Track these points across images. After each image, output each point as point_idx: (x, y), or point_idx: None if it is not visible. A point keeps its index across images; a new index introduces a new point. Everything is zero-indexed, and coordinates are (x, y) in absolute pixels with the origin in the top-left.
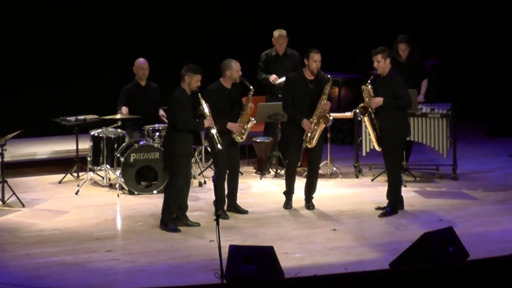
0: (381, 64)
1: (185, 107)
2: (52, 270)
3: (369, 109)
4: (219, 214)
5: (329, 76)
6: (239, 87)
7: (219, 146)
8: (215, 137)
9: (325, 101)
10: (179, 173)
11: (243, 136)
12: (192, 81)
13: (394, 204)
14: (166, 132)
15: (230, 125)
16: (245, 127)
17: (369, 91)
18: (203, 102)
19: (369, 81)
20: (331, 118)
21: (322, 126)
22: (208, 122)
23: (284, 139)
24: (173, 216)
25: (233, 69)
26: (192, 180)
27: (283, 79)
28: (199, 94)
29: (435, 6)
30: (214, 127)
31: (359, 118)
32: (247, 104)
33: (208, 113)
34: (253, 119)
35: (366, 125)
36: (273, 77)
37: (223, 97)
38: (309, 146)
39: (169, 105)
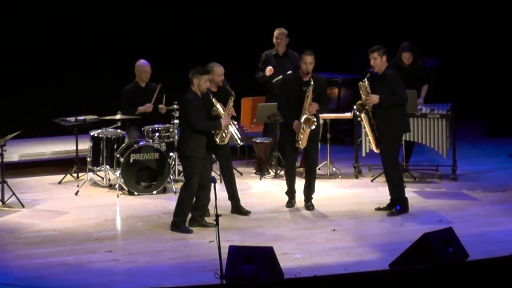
0: (378, 61)
1: (199, 108)
2: (52, 271)
3: (366, 107)
4: (218, 215)
5: (311, 79)
6: (225, 90)
7: (239, 142)
8: (234, 134)
9: (310, 103)
10: (194, 175)
11: (225, 140)
12: (201, 82)
13: (403, 201)
14: (180, 135)
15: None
16: (226, 130)
17: (366, 87)
18: (215, 102)
19: (366, 78)
20: (315, 121)
21: (308, 130)
22: (225, 121)
23: (281, 139)
24: (186, 219)
25: (216, 73)
26: None
27: (278, 78)
28: (211, 95)
29: (435, 6)
30: (232, 124)
31: (358, 117)
32: (228, 108)
33: (223, 112)
34: (235, 122)
35: (364, 125)
36: (269, 68)
37: (208, 100)
38: (301, 147)
39: (181, 108)
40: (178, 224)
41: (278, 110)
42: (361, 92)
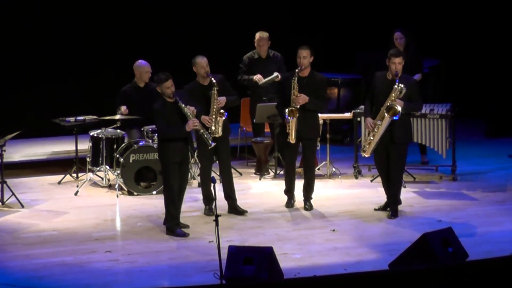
0: (401, 66)
1: (165, 116)
2: (51, 271)
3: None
4: (218, 215)
5: (296, 70)
6: (218, 83)
7: (211, 143)
8: (204, 136)
9: (296, 95)
10: (172, 178)
11: (218, 131)
12: (163, 90)
13: (397, 205)
14: (158, 143)
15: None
16: (214, 122)
17: (401, 90)
18: (183, 106)
19: (397, 82)
20: (296, 111)
21: (293, 121)
22: (189, 125)
23: (280, 138)
24: (178, 222)
25: (198, 65)
26: (191, 180)
27: (268, 78)
28: (177, 99)
29: (435, 6)
30: (199, 127)
31: (357, 118)
32: (212, 100)
33: (190, 115)
34: (224, 112)
35: (375, 129)
36: (257, 77)
37: (197, 94)
38: (291, 141)
39: (153, 117)
40: (172, 228)
41: (276, 108)
42: (395, 95)
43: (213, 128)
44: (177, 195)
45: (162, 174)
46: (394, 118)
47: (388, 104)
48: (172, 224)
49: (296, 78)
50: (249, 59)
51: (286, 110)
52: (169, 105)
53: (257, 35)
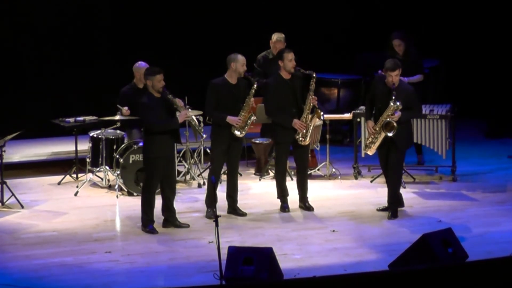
0: (398, 77)
1: (154, 109)
2: (51, 271)
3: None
4: (218, 215)
5: (312, 71)
6: (244, 83)
7: (202, 135)
8: (195, 127)
9: (313, 96)
10: (153, 175)
11: (243, 132)
12: (154, 83)
13: (397, 205)
14: (143, 137)
15: (229, 119)
16: (246, 122)
17: (397, 108)
18: (172, 98)
19: (393, 98)
20: (322, 112)
21: (316, 120)
22: (182, 116)
23: (274, 144)
24: (151, 218)
25: (239, 62)
26: (191, 181)
27: None
28: (167, 92)
29: (435, 6)
30: (191, 118)
31: (357, 118)
32: (249, 99)
33: (182, 107)
34: (254, 115)
35: (376, 136)
36: None
37: (226, 91)
38: (304, 144)
39: (138, 113)
40: (145, 223)
41: (269, 115)
42: (389, 111)
43: (243, 127)
44: (169, 194)
45: (145, 168)
46: (389, 134)
47: (386, 120)
48: (146, 219)
49: (314, 79)
50: (264, 58)
51: (314, 110)
52: (156, 99)
53: (274, 37)
